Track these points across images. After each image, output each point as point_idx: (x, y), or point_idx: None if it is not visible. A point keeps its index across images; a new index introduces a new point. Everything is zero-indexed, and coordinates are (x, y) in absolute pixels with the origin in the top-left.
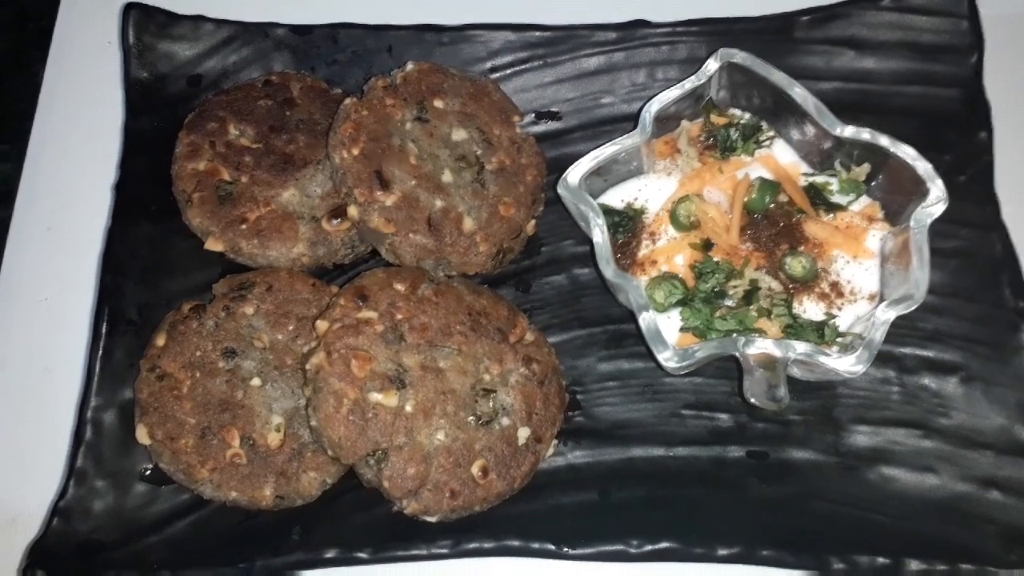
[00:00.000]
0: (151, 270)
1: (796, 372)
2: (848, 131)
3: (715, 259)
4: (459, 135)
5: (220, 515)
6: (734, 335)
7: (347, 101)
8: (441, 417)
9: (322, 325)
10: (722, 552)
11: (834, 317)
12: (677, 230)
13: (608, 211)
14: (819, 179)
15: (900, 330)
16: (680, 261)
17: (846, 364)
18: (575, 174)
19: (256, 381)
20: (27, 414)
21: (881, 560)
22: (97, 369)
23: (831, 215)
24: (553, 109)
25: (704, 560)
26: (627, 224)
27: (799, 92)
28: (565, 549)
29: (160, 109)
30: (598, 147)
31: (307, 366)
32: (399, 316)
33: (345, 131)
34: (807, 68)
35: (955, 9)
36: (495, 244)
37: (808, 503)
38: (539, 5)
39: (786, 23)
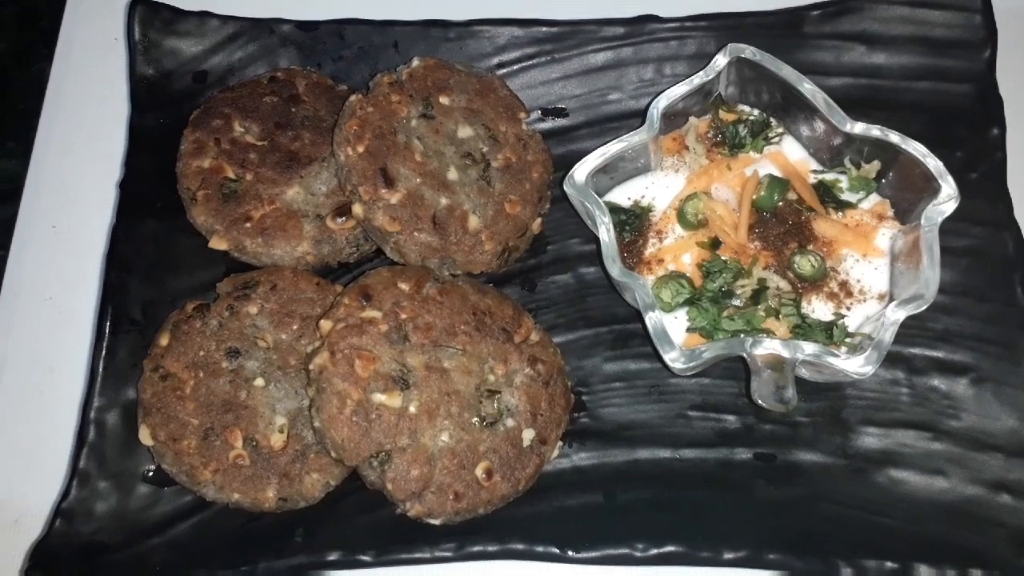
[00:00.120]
0: (155, 268)
1: (804, 373)
2: (858, 128)
3: (723, 258)
4: (465, 132)
5: (223, 517)
6: (741, 335)
7: (352, 98)
8: (445, 418)
9: (326, 325)
10: (728, 555)
11: (843, 317)
12: (684, 228)
13: (615, 209)
14: (828, 176)
15: (910, 330)
16: (687, 260)
17: (855, 365)
18: (582, 171)
19: (259, 381)
20: (30, 414)
21: (890, 564)
22: (100, 369)
23: (840, 213)
24: (560, 105)
25: (710, 564)
26: (634, 222)
27: (808, 88)
28: (570, 552)
29: (165, 106)
30: (605, 144)
31: (310, 366)
32: (403, 316)
33: (350, 128)
34: (817, 63)
35: (968, 3)
36: (501, 242)
37: (816, 506)
38: (546, 0)
39: (796, 18)
